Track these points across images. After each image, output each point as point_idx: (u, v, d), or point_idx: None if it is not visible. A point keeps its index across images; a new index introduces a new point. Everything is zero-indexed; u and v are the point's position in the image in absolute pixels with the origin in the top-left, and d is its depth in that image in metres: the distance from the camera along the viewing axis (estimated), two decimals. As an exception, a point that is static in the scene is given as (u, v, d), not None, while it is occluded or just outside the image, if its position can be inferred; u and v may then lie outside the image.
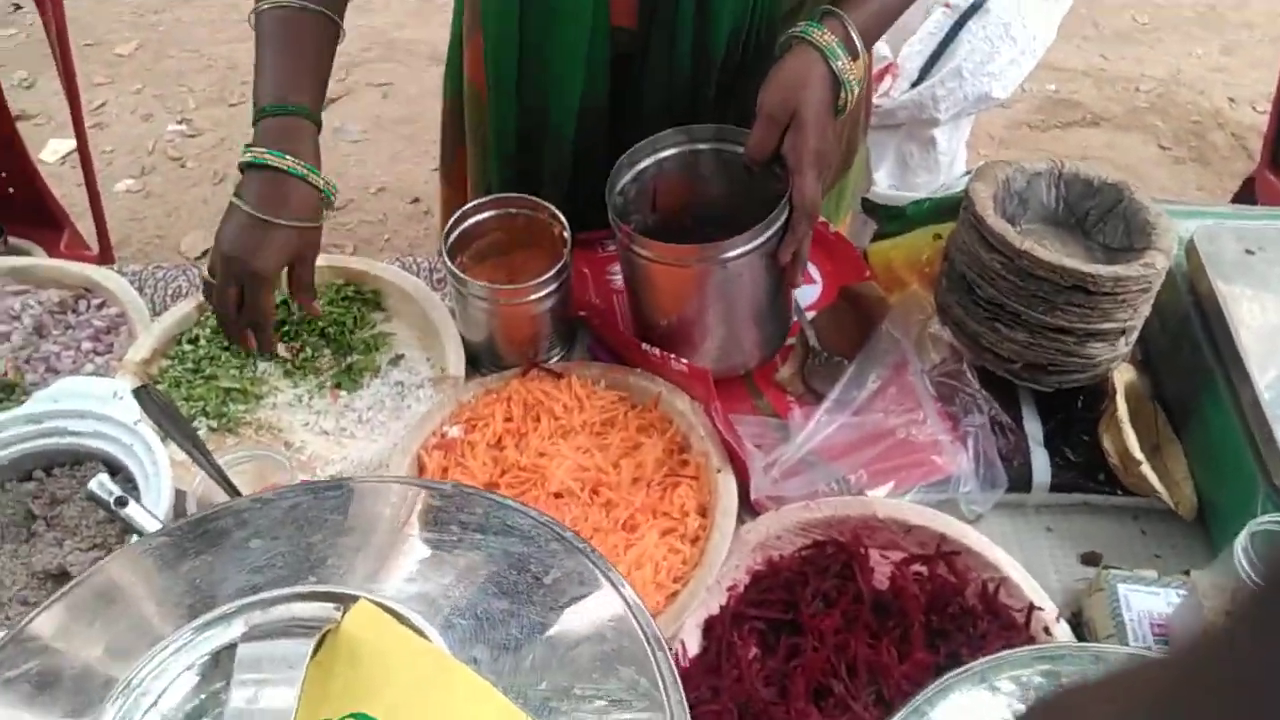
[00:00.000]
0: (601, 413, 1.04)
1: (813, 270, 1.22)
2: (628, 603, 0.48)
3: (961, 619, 0.88)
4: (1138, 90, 3.42)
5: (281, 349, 1.08)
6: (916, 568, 0.92)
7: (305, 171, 0.94)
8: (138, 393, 0.79)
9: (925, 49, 2.05)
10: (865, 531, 0.94)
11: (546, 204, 1.09)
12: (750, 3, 1.05)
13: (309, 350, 1.12)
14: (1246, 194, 2.39)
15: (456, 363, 1.09)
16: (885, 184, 2.19)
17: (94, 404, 0.92)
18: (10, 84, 3.32)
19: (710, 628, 0.89)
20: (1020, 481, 1.00)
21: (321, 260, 1.18)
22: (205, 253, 2.87)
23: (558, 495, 0.97)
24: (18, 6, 3.69)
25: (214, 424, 1.04)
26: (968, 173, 1.25)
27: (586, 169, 1.13)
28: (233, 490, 0.81)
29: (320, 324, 1.13)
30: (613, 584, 0.49)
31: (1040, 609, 0.87)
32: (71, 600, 0.50)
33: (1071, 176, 1.05)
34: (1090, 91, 3.42)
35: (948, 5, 2.01)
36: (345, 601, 0.47)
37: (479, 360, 1.12)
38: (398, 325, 1.16)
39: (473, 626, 0.47)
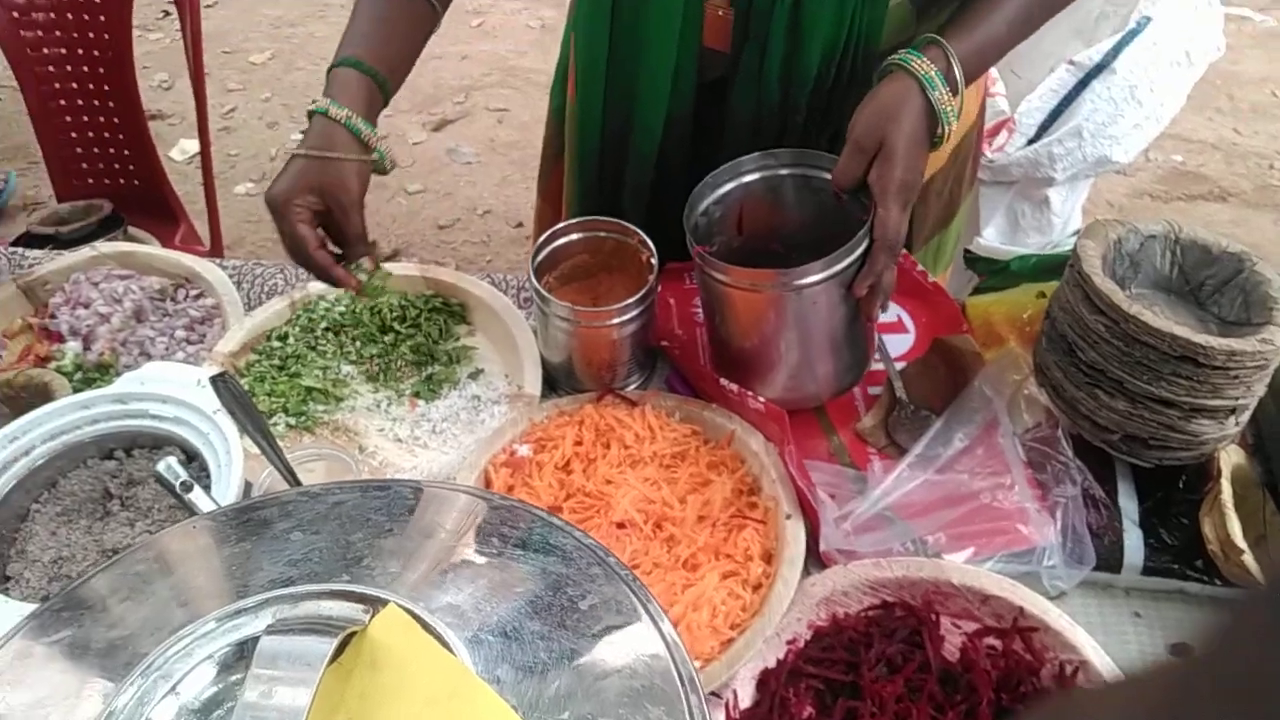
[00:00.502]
0: (673, 445, 1.02)
1: (906, 319, 1.18)
2: (665, 639, 0.46)
3: (1033, 701, 0.82)
4: (1271, 168, 3.27)
5: (365, 265, 1.02)
6: (990, 641, 0.87)
7: (347, 114, 0.96)
8: (214, 380, 0.81)
9: (1045, 106, 2.00)
10: (938, 597, 0.89)
11: (636, 229, 1.08)
12: (846, 26, 1.02)
13: (392, 357, 1.13)
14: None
15: (533, 381, 1.09)
16: (994, 241, 2.13)
17: (177, 390, 0.94)
18: (150, 84, 3.50)
19: (765, 681, 0.86)
20: (1110, 561, 0.94)
21: (414, 270, 1.20)
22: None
23: (620, 525, 0.95)
24: (166, 13, 3.89)
25: (292, 421, 1.05)
26: (1078, 232, 1.19)
27: (669, 192, 1.12)
28: (297, 484, 0.82)
29: (406, 333, 1.14)
30: (651, 617, 0.47)
31: (1120, 699, 0.81)
32: (114, 574, 0.50)
33: (1189, 242, 0.99)
34: (1219, 165, 3.29)
35: (1072, 63, 1.95)
36: (375, 604, 0.46)
37: (556, 382, 1.12)
38: (481, 340, 1.16)
39: (501, 645, 0.45)
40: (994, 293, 1.19)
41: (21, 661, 0.46)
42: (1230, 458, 0.94)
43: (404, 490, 0.55)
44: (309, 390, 1.08)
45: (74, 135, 2.07)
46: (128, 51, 1.98)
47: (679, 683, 0.44)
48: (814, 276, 0.93)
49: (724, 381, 1.03)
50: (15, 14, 1.93)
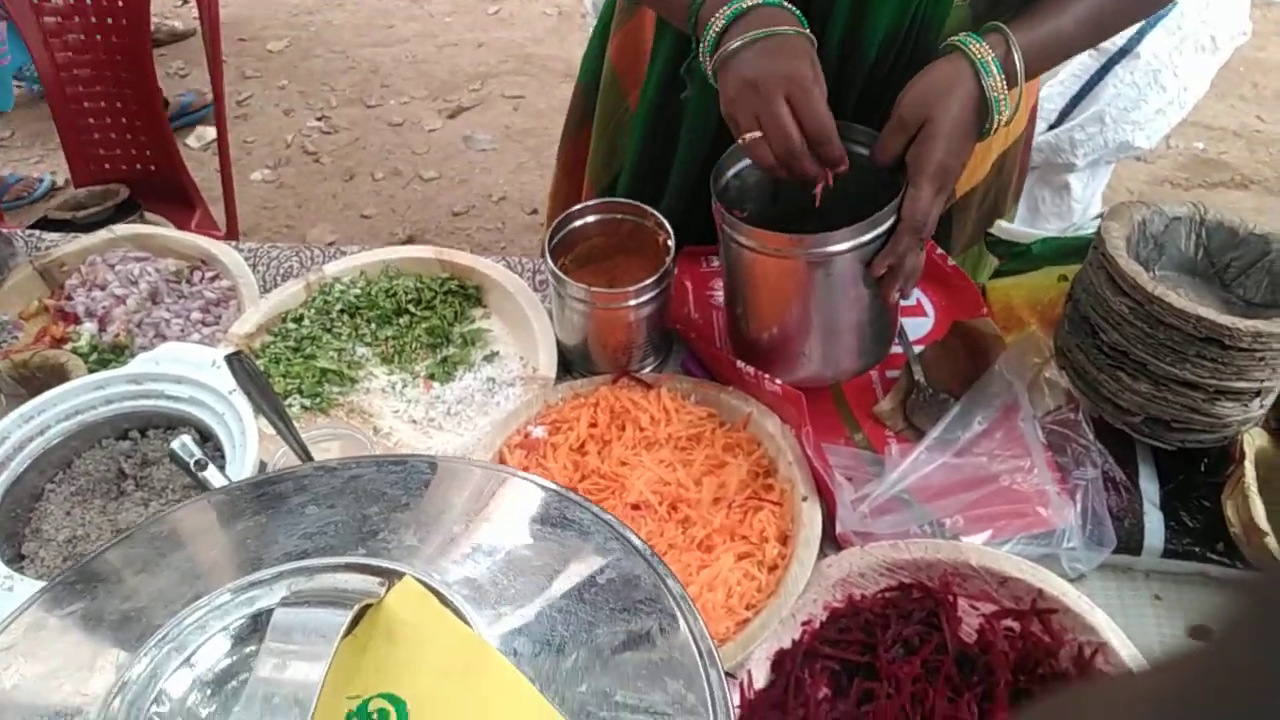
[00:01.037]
0: (688, 427, 1.01)
1: (925, 303, 1.17)
2: (683, 613, 0.45)
3: (1052, 682, 0.81)
4: (1295, 154, 3.24)
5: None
6: (1008, 623, 0.86)
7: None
8: (230, 359, 0.80)
9: (1067, 91, 1.97)
10: (956, 579, 0.88)
11: (653, 211, 1.07)
12: (909, 15, 0.99)
13: (406, 340, 1.12)
14: None
15: (548, 364, 1.08)
16: (1014, 227, 2.10)
17: (192, 370, 0.94)
18: (168, 72, 3.51)
19: (780, 661, 0.85)
20: (1130, 543, 0.93)
21: (429, 252, 1.19)
22: (331, 244, 2.96)
23: (635, 507, 0.95)
24: (185, 0, 3.90)
25: (308, 402, 1.05)
26: (1101, 215, 1.18)
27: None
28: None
29: (421, 315, 1.14)
30: (669, 592, 0.46)
31: (1141, 682, 0.80)
32: (128, 547, 0.50)
33: (1215, 224, 0.98)
34: (1242, 153, 3.25)
35: (1095, 48, 1.92)
36: (391, 577, 0.45)
37: (572, 365, 1.11)
38: (496, 323, 1.16)
39: (517, 618, 0.44)
40: (1015, 276, 1.18)
41: (35, 633, 0.46)
42: (1254, 440, 0.93)
43: (420, 465, 0.54)
44: (324, 372, 1.07)
45: (91, 121, 2.07)
46: (145, 37, 1.98)
47: (698, 656, 0.43)
48: (835, 247, 0.90)
49: (740, 364, 1.02)
50: (35, 0, 1.93)
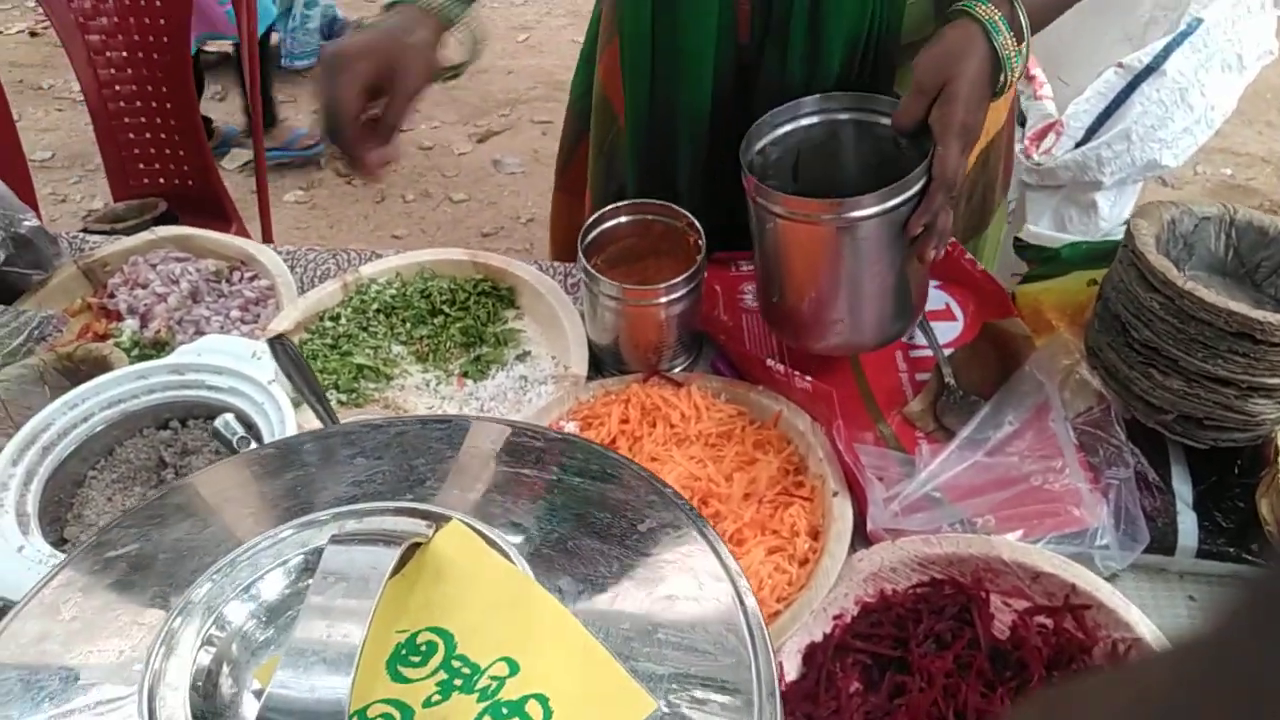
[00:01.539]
0: (718, 425, 1.02)
1: (954, 306, 1.17)
2: (721, 560, 0.46)
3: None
4: (1325, 181, 3.22)
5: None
6: (1041, 619, 0.86)
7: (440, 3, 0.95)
8: (272, 342, 0.82)
9: (1094, 109, 1.98)
10: (988, 574, 0.88)
11: (685, 213, 1.08)
12: (868, 13, 1.03)
13: (441, 338, 1.14)
14: None
15: (580, 361, 1.10)
16: (1039, 247, 2.10)
17: (233, 361, 0.96)
18: (205, 97, 3.57)
19: (811, 655, 0.85)
20: (1164, 543, 0.92)
21: (462, 255, 1.21)
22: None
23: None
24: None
25: (344, 398, 1.07)
26: (1126, 221, 1.18)
27: (720, 178, 1.12)
28: (349, 450, 0.83)
29: (455, 315, 1.15)
30: (708, 541, 0.47)
31: (1175, 678, 0.79)
32: (176, 496, 0.51)
33: (1245, 224, 0.98)
34: (1270, 179, 3.24)
35: (1121, 65, 1.93)
36: (438, 520, 0.46)
37: (603, 364, 1.12)
38: (528, 323, 1.17)
39: (562, 559, 0.45)
40: (1044, 281, 1.18)
41: (92, 575, 0.47)
42: (1288, 439, 0.93)
43: (464, 423, 0.55)
44: (360, 368, 1.09)
45: (131, 137, 2.11)
46: (186, 55, 2.02)
47: (736, 599, 0.44)
48: (867, 210, 0.91)
49: (770, 362, 1.03)
50: (80, 18, 1.99)
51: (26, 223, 1.16)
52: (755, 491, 0.95)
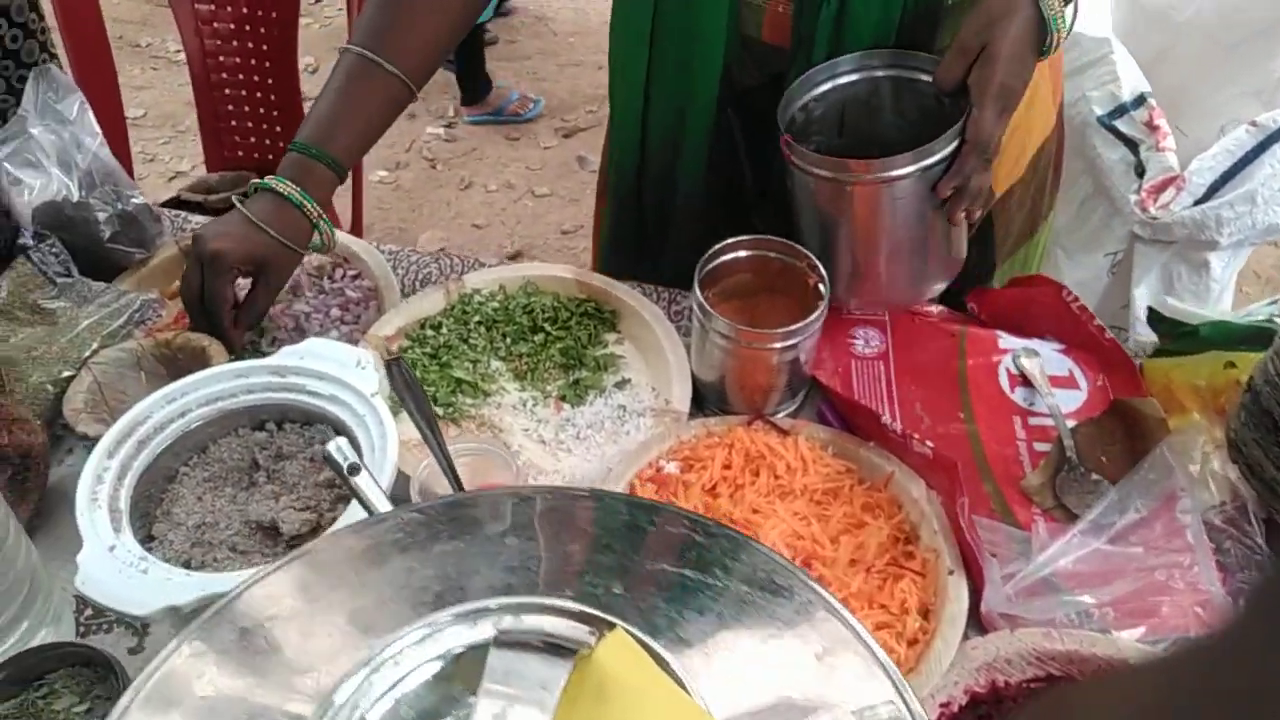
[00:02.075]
0: (826, 480, 0.97)
1: (1078, 374, 1.11)
2: (911, 711, 0.41)
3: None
4: None
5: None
6: (1162, 731, 0.80)
7: (302, 200, 1.02)
8: (389, 364, 0.79)
9: (1218, 166, 1.89)
10: (1107, 675, 0.83)
11: (807, 252, 1.04)
12: (894, 27, 1.01)
13: (539, 358, 1.11)
14: None
15: (681, 397, 1.06)
16: (1143, 301, 2.02)
17: (336, 369, 0.93)
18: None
19: (913, 742, 0.80)
20: (1299, 660, 0.86)
21: (568, 272, 1.18)
22: (441, 250, 2.99)
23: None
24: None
25: (440, 412, 1.04)
26: (1274, 301, 1.11)
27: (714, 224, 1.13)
28: (456, 479, 0.79)
29: (556, 335, 1.12)
30: (892, 681, 0.43)
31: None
32: (309, 563, 0.47)
33: None
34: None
35: (1254, 124, 1.85)
36: (600, 625, 0.42)
37: (704, 400, 1.08)
38: (629, 349, 1.14)
39: (736, 686, 0.41)
40: (1175, 357, 1.12)
41: (230, 637, 0.44)
42: None
43: (617, 504, 0.51)
44: (459, 382, 1.06)
45: (230, 108, 2.11)
46: (293, 30, 2.02)
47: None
48: (900, 170, 0.93)
49: (886, 419, 0.98)
50: (191, -13, 1.99)
51: (134, 200, 1.15)
52: (863, 559, 0.91)
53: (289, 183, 1.02)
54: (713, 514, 0.94)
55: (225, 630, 0.43)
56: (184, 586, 0.78)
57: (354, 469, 0.68)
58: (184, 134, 3.40)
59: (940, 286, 1.09)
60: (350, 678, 0.40)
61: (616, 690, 0.40)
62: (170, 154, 3.36)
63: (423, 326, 1.10)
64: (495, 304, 1.13)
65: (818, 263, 1.03)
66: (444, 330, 1.10)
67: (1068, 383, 1.11)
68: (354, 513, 0.81)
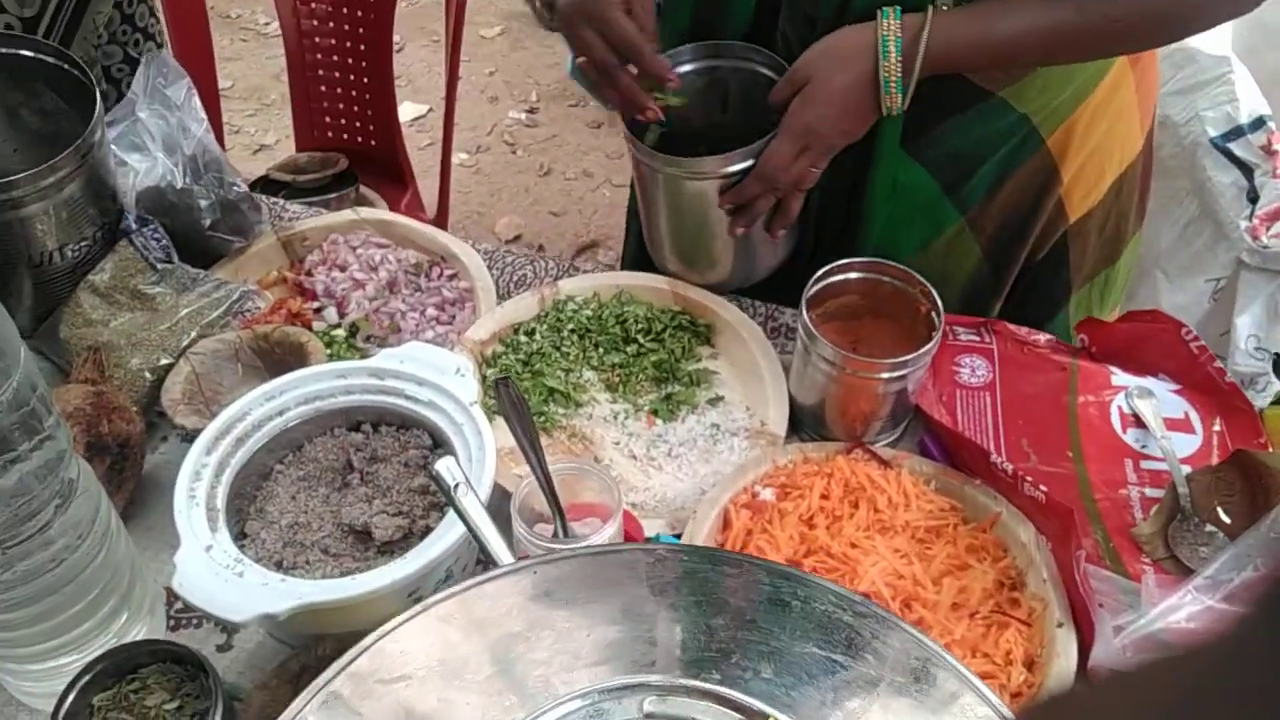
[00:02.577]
0: (929, 518, 0.94)
1: (1194, 418, 1.06)
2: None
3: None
4: None
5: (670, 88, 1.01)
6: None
7: None
8: (498, 384, 0.78)
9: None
10: (1222, 746, 0.78)
11: (921, 279, 1.00)
12: None
13: (631, 369, 1.08)
14: None
15: (778, 420, 1.03)
16: (1245, 331, 1.94)
17: (435, 374, 0.92)
18: (384, 46, 3.60)
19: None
20: None
21: (663, 283, 1.15)
22: (517, 236, 2.98)
23: (865, 596, 0.88)
24: (407, -22, 4.00)
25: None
26: None
27: None
28: (554, 500, 0.78)
29: (649, 346, 1.10)
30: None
31: None
32: (437, 614, 0.46)
33: None
34: None
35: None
36: (750, 714, 0.40)
37: (800, 424, 1.05)
38: (723, 365, 1.11)
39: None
40: (1300, 405, 1.06)
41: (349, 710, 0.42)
42: None
43: (759, 573, 0.49)
44: (551, 391, 1.04)
45: (323, 89, 2.12)
46: (390, 15, 2.01)
47: None
48: (693, 171, 1.00)
49: (996, 459, 0.94)
50: (291, -33, 1.99)
51: (236, 188, 1.15)
52: (966, 603, 0.87)
53: None
54: (808, 546, 0.91)
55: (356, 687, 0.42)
56: (279, 594, 0.77)
57: (461, 489, 0.67)
58: (269, 107, 3.43)
59: (736, 283, 1.14)
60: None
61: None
62: (256, 126, 3.39)
63: (516, 332, 1.09)
64: (589, 312, 1.11)
65: (931, 289, 0.99)
66: (537, 337, 1.08)
67: (1182, 425, 1.06)
68: (450, 523, 0.80)
